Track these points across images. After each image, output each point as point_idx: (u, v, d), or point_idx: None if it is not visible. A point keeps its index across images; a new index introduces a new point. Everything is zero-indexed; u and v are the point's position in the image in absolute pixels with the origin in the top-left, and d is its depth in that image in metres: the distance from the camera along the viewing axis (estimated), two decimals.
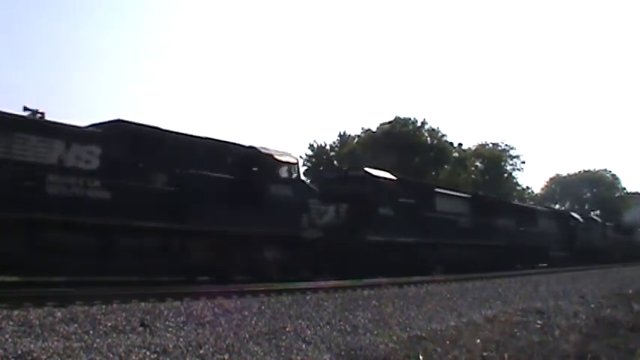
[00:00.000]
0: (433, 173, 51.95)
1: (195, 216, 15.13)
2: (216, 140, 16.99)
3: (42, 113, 13.83)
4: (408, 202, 22.75)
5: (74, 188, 13.02)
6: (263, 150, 17.91)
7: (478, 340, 7.42)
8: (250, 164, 17.41)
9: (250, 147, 17.95)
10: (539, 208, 41.51)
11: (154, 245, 14.46)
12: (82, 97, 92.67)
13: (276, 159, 18.00)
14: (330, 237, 18.90)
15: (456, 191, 29.68)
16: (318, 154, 54.06)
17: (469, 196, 29.27)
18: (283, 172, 18.21)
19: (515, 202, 41.50)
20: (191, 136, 16.34)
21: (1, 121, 12.27)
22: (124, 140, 14.18)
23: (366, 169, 23.12)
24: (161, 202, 14.53)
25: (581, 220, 42.33)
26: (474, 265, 25.99)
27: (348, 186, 21.43)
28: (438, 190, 26.95)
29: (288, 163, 18.52)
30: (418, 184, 27.30)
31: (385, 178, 22.62)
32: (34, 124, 13.03)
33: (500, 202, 35.08)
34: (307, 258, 18.50)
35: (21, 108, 13.48)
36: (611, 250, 45.65)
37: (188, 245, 15.11)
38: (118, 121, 14.81)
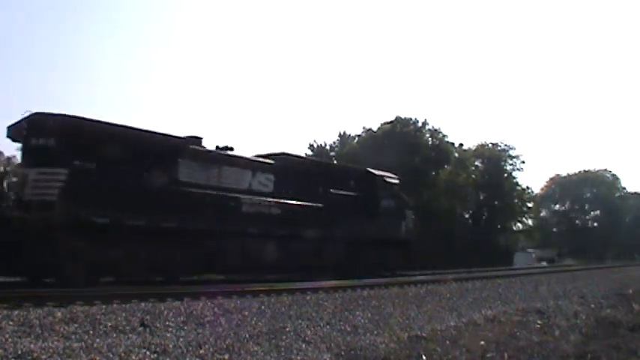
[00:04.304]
0: (433, 173, 51.91)
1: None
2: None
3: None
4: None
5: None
6: None
7: (478, 341, 7.41)
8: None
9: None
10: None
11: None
12: (80, 98, 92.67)
13: None
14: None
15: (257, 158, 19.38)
16: (318, 154, 54.00)
17: (271, 162, 19.22)
18: None
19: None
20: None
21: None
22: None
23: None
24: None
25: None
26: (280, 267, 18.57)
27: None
28: (193, 147, 16.72)
29: None
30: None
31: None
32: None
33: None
34: None
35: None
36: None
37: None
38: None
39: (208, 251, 16.09)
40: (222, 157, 17.73)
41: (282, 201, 18.71)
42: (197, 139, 17.05)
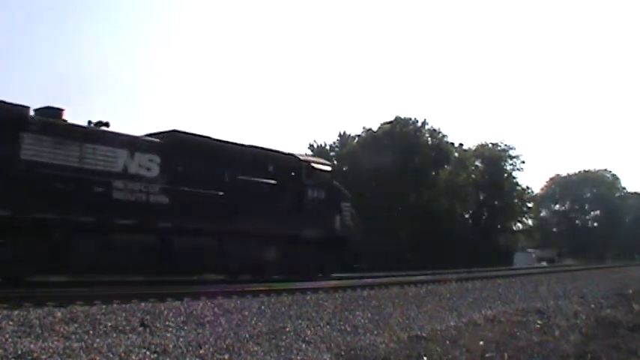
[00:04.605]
0: (433, 173, 51.95)
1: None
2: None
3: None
4: None
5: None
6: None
7: (478, 341, 7.41)
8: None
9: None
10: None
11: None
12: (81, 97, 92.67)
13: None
14: None
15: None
16: (318, 154, 54.01)
17: (157, 140, 16.13)
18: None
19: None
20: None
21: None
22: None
23: None
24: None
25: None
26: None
27: None
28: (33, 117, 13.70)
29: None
30: None
31: None
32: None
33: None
34: None
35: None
36: None
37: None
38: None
39: (57, 246, 13.29)
40: (87, 132, 14.51)
41: (168, 187, 15.50)
42: (55, 111, 14.26)
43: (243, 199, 17.14)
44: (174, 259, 15.38)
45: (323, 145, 55.02)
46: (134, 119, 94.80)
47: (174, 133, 16.47)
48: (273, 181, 18.59)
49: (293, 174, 19.47)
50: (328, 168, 21.35)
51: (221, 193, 16.66)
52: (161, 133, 16.39)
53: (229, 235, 16.64)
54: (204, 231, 16.02)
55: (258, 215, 17.32)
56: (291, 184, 19.21)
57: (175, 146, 16.07)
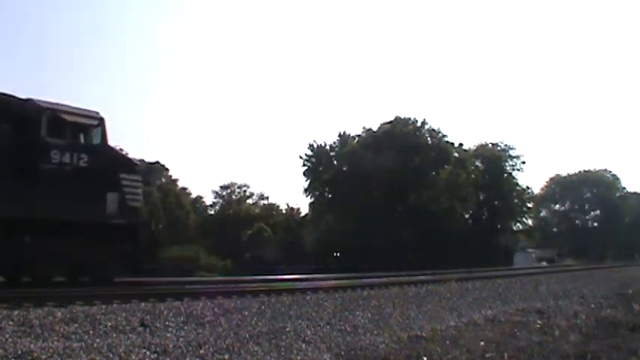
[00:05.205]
0: (433, 173, 51.99)
1: None
2: None
3: None
4: None
5: None
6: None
7: (478, 341, 7.41)
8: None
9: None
10: None
11: None
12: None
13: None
14: None
15: None
16: (318, 154, 54.03)
17: None
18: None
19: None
20: None
21: None
22: None
23: None
24: None
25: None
26: None
27: None
28: None
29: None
30: None
31: None
32: None
33: None
34: None
35: None
36: None
37: None
38: None
39: None
40: None
41: None
42: None
43: None
44: None
45: (323, 145, 55.08)
46: (134, 119, 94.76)
47: None
48: None
49: (25, 127, 13.05)
50: (93, 122, 14.10)
51: None
52: None
53: None
54: None
55: None
56: (19, 142, 12.91)
57: None
